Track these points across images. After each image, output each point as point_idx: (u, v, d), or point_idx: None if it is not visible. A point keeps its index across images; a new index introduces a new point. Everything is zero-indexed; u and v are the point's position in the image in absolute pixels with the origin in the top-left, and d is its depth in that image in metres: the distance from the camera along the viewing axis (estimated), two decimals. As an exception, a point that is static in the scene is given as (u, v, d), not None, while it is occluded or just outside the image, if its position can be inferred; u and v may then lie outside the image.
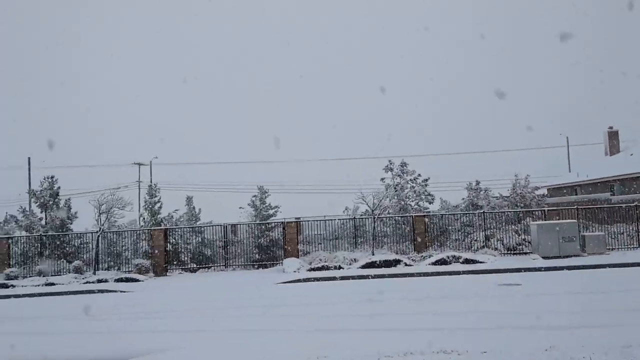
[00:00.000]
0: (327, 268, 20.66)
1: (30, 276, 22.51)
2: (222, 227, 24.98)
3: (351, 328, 9.75)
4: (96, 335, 10.41)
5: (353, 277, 19.11)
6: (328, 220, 25.58)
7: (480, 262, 20.45)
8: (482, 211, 24.56)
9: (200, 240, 25.06)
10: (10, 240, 24.06)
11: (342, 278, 19.11)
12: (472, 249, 23.58)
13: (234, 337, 9.53)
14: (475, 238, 24.06)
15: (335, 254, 22.21)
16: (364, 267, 20.59)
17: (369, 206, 23.31)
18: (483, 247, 23.54)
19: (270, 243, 24.97)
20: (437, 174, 29.35)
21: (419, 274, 19.05)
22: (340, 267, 20.69)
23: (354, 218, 24.76)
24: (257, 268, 24.20)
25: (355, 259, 21.40)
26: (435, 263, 20.62)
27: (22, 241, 24.54)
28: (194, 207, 29.93)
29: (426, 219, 24.47)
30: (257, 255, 24.76)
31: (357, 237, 24.36)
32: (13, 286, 20.75)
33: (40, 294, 19.24)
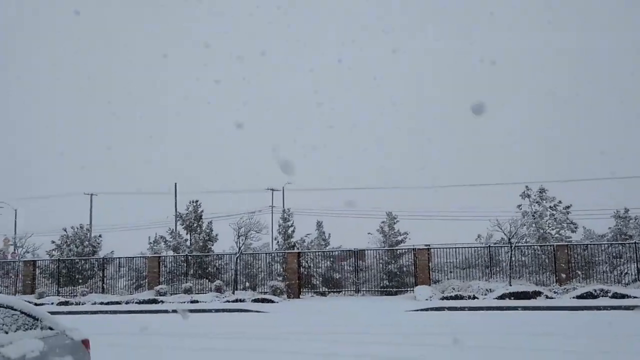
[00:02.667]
0: (461, 297, 19.99)
1: (177, 293, 24.24)
2: (353, 252, 25.18)
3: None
4: (239, 353, 10.91)
5: (489, 308, 18.30)
6: (460, 247, 24.85)
7: (634, 297, 18.64)
8: (632, 242, 22.47)
9: (329, 264, 25.50)
10: (160, 259, 26.17)
11: (477, 308, 18.38)
12: (622, 282, 21.60)
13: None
14: (625, 271, 22.03)
15: (469, 283, 21.45)
16: (500, 297, 19.66)
17: (505, 234, 22.31)
18: (635, 280, 21.47)
19: (399, 270, 24.75)
20: (580, 200, 27.45)
21: (563, 308, 17.79)
22: (474, 297, 19.93)
23: (489, 246, 23.82)
24: (386, 294, 24.04)
25: (490, 289, 20.51)
26: (581, 297, 19.15)
27: (170, 260, 26.59)
28: (323, 232, 30.64)
29: (568, 249, 22.87)
30: (386, 282, 24.63)
31: (492, 267, 23.35)
32: (162, 302, 22.46)
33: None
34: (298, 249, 26.43)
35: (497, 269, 23.38)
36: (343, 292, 24.79)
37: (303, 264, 25.02)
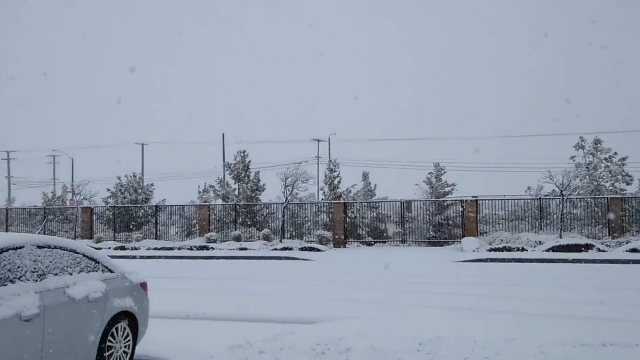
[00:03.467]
0: (509, 249, 19.78)
1: (226, 240, 24.92)
2: (400, 203, 25.12)
3: (543, 312, 9.24)
4: (285, 299, 11.18)
5: (539, 260, 18.06)
6: (509, 199, 24.43)
7: (692, 253, 18.01)
8: (694, 195, 21.56)
9: (375, 215, 25.58)
10: (209, 207, 26.84)
11: (526, 260, 18.18)
12: (680, 237, 20.85)
13: (410, 312, 9.59)
14: (684, 225, 21.23)
15: (518, 235, 21.16)
16: (550, 250, 19.35)
17: (556, 186, 21.73)
18: (694, 236, 20.69)
19: (446, 221, 24.62)
20: (636, 152, 26.36)
21: (615, 261, 17.38)
22: (523, 249, 19.69)
23: (539, 198, 23.30)
24: (432, 245, 24.03)
25: (540, 241, 20.19)
26: (634, 250, 18.64)
27: (219, 209, 27.24)
28: (369, 183, 30.64)
29: (623, 202, 22.15)
30: (432, 233, 24.58)
31: (542, 219, 22.91)
32: (212, 248, 23.18)
33: (235, 257, 21.24)
34: (344, 199, 26.57)
35: (547, 222, 22.94)
36: (389, 242, 24.93)
37: (349, 214, 25.19)
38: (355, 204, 25.88)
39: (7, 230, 29.03)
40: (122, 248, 24.50)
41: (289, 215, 25.78)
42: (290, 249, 22.24)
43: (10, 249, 5.03)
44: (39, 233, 27.00)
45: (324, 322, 8.44)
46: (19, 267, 5.02)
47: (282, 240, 24.22)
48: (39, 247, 5.39)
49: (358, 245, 24.69)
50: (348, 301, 10.68)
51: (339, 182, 27.87)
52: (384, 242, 24.96)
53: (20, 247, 5.16)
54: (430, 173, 26.87)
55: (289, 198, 25.18)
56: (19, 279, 4.96)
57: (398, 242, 24.66)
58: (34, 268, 5.18)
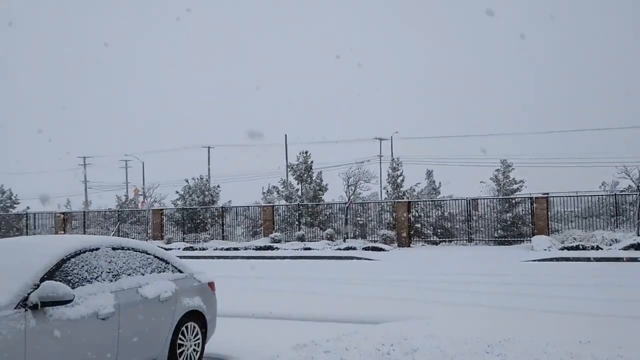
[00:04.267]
0: (583, 248, 18.95)
1: (290, 240, 25.21)
2: (466, 201, 24.59)
3: (622, 314, 8.79)
4: (349, 298, 11.18)
5: (614, 259, 17.22)
6: (582, 196, 23.40)
7: None
8: None
9: (440, 213, 25.15)
10: (273, 208, 27.24)
11: (601, 259, 17.36)
12: None
13: (478, 312, 9.36)
14: None
15: (592, 232, 20.23)
16: (627, 248, 18.40)
17: (633, 181, 20.62)
18: None
19: (514, 219, 23.86)
20: None
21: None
22: (598, 248, 18.80)
23: (615, 194, 22.19)
24: (500, 244, 23.36)
25: (615, 239, 19.22)
26: None
27: (283, 209, 27.59)
28: (433, 181, 30.16)
29: None
30: (500, 231, 23.89)
31: (618, 216, 21.80)
32: (277, 248, 23.50)
33: (299, 257, 21.45)
34: (407, 198, 26.28)
35: (624, 219, 21.80)
36: (454, 241, 24.45)
37: (413, 213, 24.88)
38: (419, 202, 25.54)
39: (85, 232, 30.57)
40: (191, 248, 25.25)
41: (352, 214, 25.77)
42: (354, 248, 22.22)
43: (87, 251, 5.29)
44: (113, 235, 28.28)
45: (388, 322, 8.37)
46: (95, 268, 5.27)
47: (346, 240, 24.23)
48: (114, 248, 5.63)
49: (423, 245, 24.36)
50: (413, 301, 10.56)
51: (402, 180, 27.60)
52: (450, 241, 24.50)
53: (96, 249, 5.41)
54: (497, 170, 26.14)
55: (351, 198, 25.16)
56: (95, 279, 5.21)
57: (464, 241, 24.14)
58: (109, 269, 5.42)
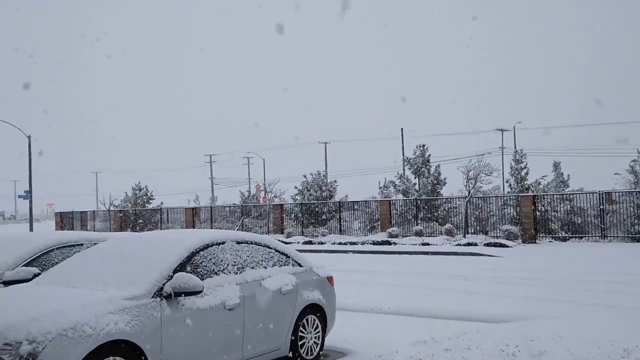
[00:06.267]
0: None
1: (407, 235, 24.96)
2: (598, 194, 22.81)
3: None
4: (470, 295, 10.84)
5: None
6: None
7: None
8: None
9: (569, 208, 23.55)
10: (390, 203, 27.11)
11: None
12: None
13: (612, 314, 8.62)
14: None
15: None
16: None
17: None
18: None
19: (656, 214, 21.74)
20: None
21: None
22: None
23: None
24: (638, 241, 21.38)
25: None
26: None
27: (400, 204, 27.37)
28: (561, 173, 28.37)
29: None
30: (637, 227, 21.87)
31: None
32: (395, 243, 23.36)
33: (416, 252, 21.14)
34: (533, 191, 24.93)
35: None
36: (585, 237, 22.79)
37: (539, 208, 23.54)
38: (545, 196, 24.11)
39: (212, 226, 32.47)
40: (310, 243, 25.85)
41: (472, 209, 24.94)
42: (475, 244, 21.48)
43: (214, 244, 5.61)
44: (237, 229, 29.75)
45: (513, 322, 8.00)
46: (221, 261, 5.57)
47: (466, 235, 23.51)
48: (238, 242, 5.92)
49: (550, 241, 22.96)
50: (540, 300, 10.02)
51: (527, 173, 26.22)
52: (580, 237, 22.87)
53: (223, 243, 5.72)
54: (633, 160, 23.99)
55: (471, 192, 24.36)
56: (222, 271, 5.51)
57: (597, 238, 22.41)
58: (234, 262, 5.70)
